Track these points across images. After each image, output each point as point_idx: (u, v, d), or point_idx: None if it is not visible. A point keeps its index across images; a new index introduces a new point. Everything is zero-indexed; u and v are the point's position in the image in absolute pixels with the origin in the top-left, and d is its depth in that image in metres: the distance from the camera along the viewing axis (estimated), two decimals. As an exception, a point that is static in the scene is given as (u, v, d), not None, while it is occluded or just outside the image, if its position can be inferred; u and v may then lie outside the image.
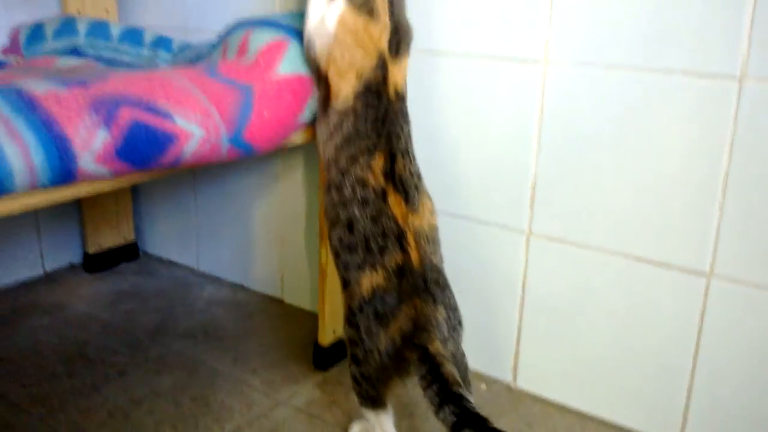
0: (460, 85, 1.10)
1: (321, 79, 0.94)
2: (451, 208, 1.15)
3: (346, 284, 0.89)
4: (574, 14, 0.98)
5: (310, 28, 0.95)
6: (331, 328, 1.20)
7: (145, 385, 1.14)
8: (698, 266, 0.95)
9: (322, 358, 1.21)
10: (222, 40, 1.07)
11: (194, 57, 1.19)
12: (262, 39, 0.99)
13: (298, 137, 1.03)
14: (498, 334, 1.16)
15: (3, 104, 0.71)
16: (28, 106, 0.73)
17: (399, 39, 0.92)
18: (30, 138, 0.71)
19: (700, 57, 0.90)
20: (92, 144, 0.75)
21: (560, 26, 0.99)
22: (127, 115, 0.78)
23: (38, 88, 0.76)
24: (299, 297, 1.43)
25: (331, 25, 0.91)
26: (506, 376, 1.17)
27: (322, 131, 0.95)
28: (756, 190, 0.89)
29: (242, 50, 1.00)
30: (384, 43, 0.90)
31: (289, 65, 0.97)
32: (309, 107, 1.00)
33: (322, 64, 0.93)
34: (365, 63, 0.90)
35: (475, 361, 1.14)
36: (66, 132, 0.73)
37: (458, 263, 1.15)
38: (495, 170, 1.10)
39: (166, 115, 0.82)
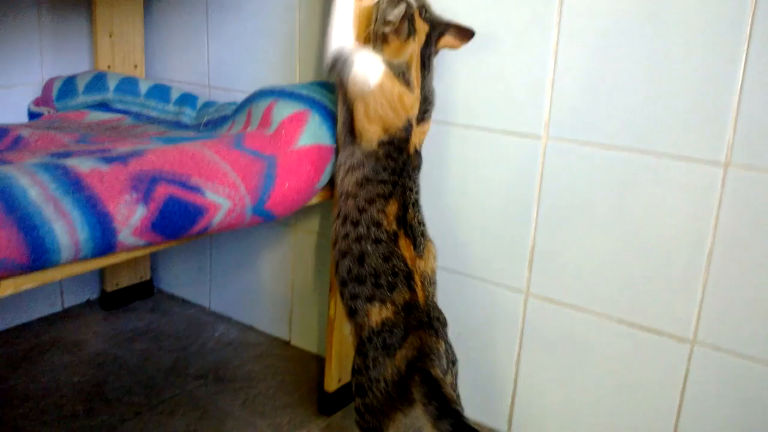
0: (468, 152, 1.18)
1: (345, 104, 1.00)
2: (455, 266, 1.22)
3: (352, 313, 0.95)
4: (573, 97, 1.06)
5: (349, 48, 0.99)
6: (337, 377, 1.27)
7: (160, 427, 1.20)
8: (683, 333, 1.02)
9: (328, 404, 1.27)
10: (246, 107, 1.15)
11: (217, 116, 1.27)
12: (284, 111, 1.07)
13: (314, 200, 1.10)
14: (495, 386, 1.23)
15: (53, 184, 0.79)
16: (74, 185, 0.80)
17: (426, 108, 1.01)
18: (76, 216, 0.78)
19: (688, 143, 0.97)
20: (131, 219, 0.83)
21: (560, 107, 1.07)
22: (162, 191, 0.86)
23: (83, 165, 0.83)
24: (306, 340, 1.50)
25: (373, 78, 0.95)
26: (501, 427, 1.24)
27: (345, 159, 1.01)
28: (738, 267, 0.96)
29: (265, 120, 1.08)
30: (414, 112, 0.99)
31: (309, 137, 1.05)
32: (326, 175, 1.07)
33: (350, 96, 0.98)
34: (394, 122, 0.98)
35: (471, 410, 1.21)
36: (108, 209, 0.81)
37: (460, 317, 1.23)
38: (497, 232, 1.18)
39: (197, 190, 0.89)
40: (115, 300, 1.64)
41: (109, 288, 1.62)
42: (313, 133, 1.05)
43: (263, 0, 1.39)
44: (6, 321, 1.51)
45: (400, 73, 0.98)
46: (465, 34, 1.03)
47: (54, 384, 1.32)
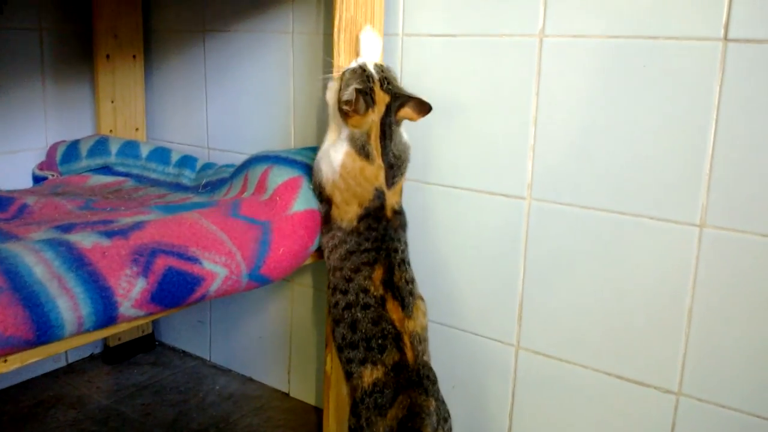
0: (455, 211, 1.22)
1: (324, 200, 1.07)
2: (447, 320, 1.26)
3: (348, 376, 0.99)
4: (553, 161, 1.10)
5: (320, 153, 1.09)
6: (335, 430, 1.30)
7: (162, 483, 1.23)
8: (668, 385, 1.06)
9: (326, 458, 1.30)
10: (243, 172, 1.20)
11: (216, 179, 1.32)
12: (279, 177, 1.12)
13: (308, 261, 1.15)
14: (489, 438, 1.26)
15: (57, 261, 0.83)
16: (77, 262, 0.84)
17: (394, 173, 1.04)
18: (79, 291, 0.82)
19: (665, 205, 1.02)
20: (131, 292, 0.87)
21: (541, 170, 1.12)
22: (161, 263, 0.90)
23: (86, 241, 0.88)
24: (305, 392, 1.53)
25: (336, 163, 1.04)
26: (496, 478, 1.26)
27: (327, 241, 1.07)
28: (718, 321, 1.00)
29: (261, 186, 1.13)
30: (381, 180, 1.03)
31: (303, 202, 1.09)
32: (319, 237, 1.11)
33: (327, 190, 1.06)
34: (364, 195, 1.02)
35: (467, 463, 1.24)
36: (109, 283, 0.85)
37: (453, 370, 1.26)
38: (486, 288, 1.21)
39: (194, 260, 0.94)
40: (118, 354, 1.67)
41: (112, 342, 1.66)
42: (306, 199, 1.10)
43: (259, 66, 1.46)
44: (11, 377, 1.54)
45: (362, 146, 1.02)
46: (423, 107, 1.05)
47: (58, 442, 1.35)
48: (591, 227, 1.09)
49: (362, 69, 1.04)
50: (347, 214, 1.03)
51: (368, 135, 1.02)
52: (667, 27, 0.98)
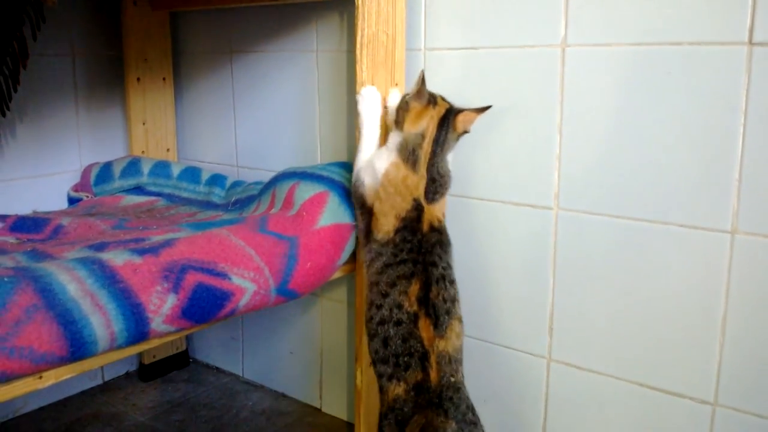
0: (484, 223, 1.22)
1: (365, 212, 1.07)
2: (475, 332, 1.25)
3: (381, 390, 0.98)
4: (579, 170, 1.10)
5: (361, 165, 1.09)
6: (367, 445, 1.30)
7: (196, 499, 1.24)
8: (704, 396, 1.04)
9: (359, 473, 1.30)
10: (271, 188, 1.21)
11: (244, 196, 1.34)
12: (306, 192, 1.13)
13: (335, 275, 1.15)
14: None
15: (90, 279, 0.85)
16: (109, 279, 0.86)
17: (435, 189, 1.04)
18: (111, 308, 0.84)
19: (695, 212, 1.00)
20: (162, 308, 0.88)
21: (568, 180, 1.11)
22: (191, 279, 0.92)
23: (118, 259, 0.90)
24: (337, 407, 1.53)
25: (380, 172, 1.04)
26: (531, 492, 1.25)
27: (366, 254, 1.06)
28: (753, 329, 0.98)
29: (288, 202, 1.14)
30: (420, 191, 1.03)
31: (329, 216, 1.10)
32: (346, 252, 1.12)
33: (368, 202, 1.06)
34: (402, 206, 1.02)
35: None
36: (141, 300, 0.87)
37: (486, 383, 1.25)
38: (516, 300, 1.21)
39: (223, 276, 0.95)
40: (152, 371, 1.69)
41: (147, 360, 1.68)
42: (332, 213, 1.11)
43: (286, 85, 1.48)
44: (49, 396, 1.57)
45: (412, 150, 1.03)
46: (482, 108, 1.08)
47: (95, 458, 1.37)
48: (620, 236, 1.08)
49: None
50: (384, 225, 1.03)
51: (422, 137, 1.03)
52: (690, 32, 0.97)
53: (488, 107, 1.08)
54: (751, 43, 0.93)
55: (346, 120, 1.38)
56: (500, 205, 1.19)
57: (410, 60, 1.24)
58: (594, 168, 1.09)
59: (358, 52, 1.15)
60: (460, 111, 1.07)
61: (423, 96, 1.05)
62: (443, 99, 1.08)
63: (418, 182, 1.03)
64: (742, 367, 1.00)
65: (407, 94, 1.08)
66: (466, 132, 1.08)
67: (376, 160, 1.06)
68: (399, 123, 1.06)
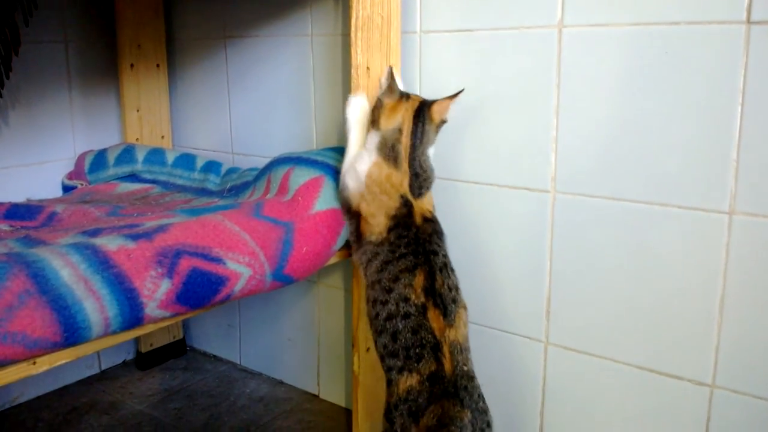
0: (478, 207, 1.21)
1: (353, 216, 1.07)
2: (475, 317, 1.25)
3: (389, 384, 0.98)
4: (577, 152, 1.09)
5: (345, 169, 1.09)
6: (365, 430, 1.30)
7: (194, 486, 1.24)
8: (702, 377, 1.03)
9: (357, 458, 1.30)
10: (266, 174, 1.21)
11: (240, 183, 1.33)
12: (301, 177, 1.12)
13: (332, 260, 1.15)
14: (520, 436, 1.24)
15: (83, 264, 0.84)
16: (103, 264, 0.85)
17: (420, 184, 1.04)
18: (105, 293, 0.83)
19: (692, 193, 1.00)
20: (157, 293, 0.88)
21: (565, 162, 1.10)
22: (186, 264, 0.91)
23: (111, 244, 0.89)
24: (334, 394, 1.53)
25: (362, 173, 1.04)
26: (529, 477, 1.25)
27: (359, 258, 1.06)
28: (751, 310, 0.98)
29: (283, 187, 1.14)
30: (405, 187, 1.03)
31: (325, 201, 1.10)
32: (342, 237, 1.12)
33: (354, 205, 1.06)
34: (390, 204, 1.02)
35: (499, 462, 1.22)
36: (135, 285, 0.86)
37: (482, 368, 1.23)
38: (513, 284, 1.20)
39: (218, 260, 0.94)
40: (150, 360, 1.69)
41: (144, 348, 1.68)
42: (328, 198, 1.10)
43: (281, 70, 1.47)
44: (47, 384, 1.57)
45: (392, 146, 1.03)
46: (454, 95, 1.07)
47: (92, 447, 1.37)
48: (617, 218, 1.07)
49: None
50: (376, 227, 1.03)
51: (400, 131, 1.03)
52: (688, 12, 0.96)
53: (460, 92, 1.08)
54: (749, 21, 0.92)
55: (342, 104, 1.37)
56: (496, 188, 1.19)
57: (406, 43, 1.23)
58: (591, 150, 1.08)
59: (352, 35, 1.14)
60: (434, 102, 1.06)
61: (394, 92, 1.05)
62: (415, 94, 1.08)
63: (402, 179, 1.03)
64: (740, 348, 1.00)
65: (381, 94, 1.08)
66: (444, 122, 1.08)
67: (357, 162, 1.06)
68: (375, 122, 1.05)
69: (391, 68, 1.10)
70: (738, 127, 0.95)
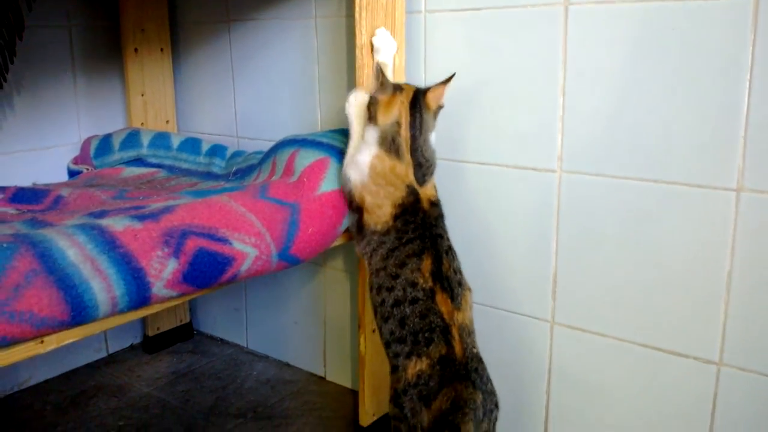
0: (484, 187, 1.21)
1: (354, 208, 1.06)
2: (478, 298, 1.25)
3: (394, 370, 0.98)
4: (583, 132, 1.08)
5: (346, 162, 1.08)
6: (371, 411, 1.30)
7: (203, 467, 1.25)
8: (708, 355, 1.03)
9: (364, 438, 1.31)
10: (271, 156, 1.20)
11: (245, 166, 1.33)
12: (306, 159, 1.12)
13: (337, 242, 1.15)
14: (526, 415, 1.24)
15: (90, 244, 0.84)
16: (110, 244, 0.85)
17: (424, 172, 1.04)
18: (112, 273, 0.84)
19: (699, 171, 0.99)
20: (163, 273, 0.88)
21: (571, 142, 1.10)
22: (192, 244, 0.91)
23: (118, 225, 0.89)
24: (341, 375, 1.53)
25: (364, 166, 1.04)
26: (536, 456, 1.25)
27: (363, 249, 1.05)
28: (758, 288, 0.98)
29: (289, 169, 1.13)
30: (411, 177, 1.03)
31: (330, 182, 1.10)
32: (347, 217, 1.12)
33: (357, 197, 1.05)
34: (396, 194, 1.02)
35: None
36: (141, 264, 0.86)
37: (489, 349, 1.24)
38: (519, 264, 1.20)
39: (224, 241, 0.94)
40: (157, 343, 1.70)
41: (151, 332, 1.69)
42: (333, 179, 1.10)
43: (285, 53, 1.46)
44: (55, 368, 1.58)
45: (392, 139, 1.02)
46: (447, 79, 1.06)
47: (101, 429, 1.37)
48: (624, 197, 1.07)
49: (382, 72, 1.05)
50: (381, 217, 1.02)
51: (398, 124, 1.02)
52: (695, -13, 0.96)
53: (452, 76, 1.06)
54: (757, -4, 0.91)
55: (346, 86, 1.37)
56: (503, 169, 1.18)
57: (411, 23, 1.23)
58: (597, 129, 1.07)
59: (357, 15, 1.13)
60: (427, 89, 1.06)
61: (387, 86, 1.04)
62: (408, 84, 1.07)
63: (406, 169, 1.03)
64: (747, 326, 0.99)
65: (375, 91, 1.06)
66: (441, 107, 1.07)
67: (358, 155, 1.05)
68: (372, 118, 1.04)
69: (378, 64, 1.09)
70: (746, 103, 0.94)
